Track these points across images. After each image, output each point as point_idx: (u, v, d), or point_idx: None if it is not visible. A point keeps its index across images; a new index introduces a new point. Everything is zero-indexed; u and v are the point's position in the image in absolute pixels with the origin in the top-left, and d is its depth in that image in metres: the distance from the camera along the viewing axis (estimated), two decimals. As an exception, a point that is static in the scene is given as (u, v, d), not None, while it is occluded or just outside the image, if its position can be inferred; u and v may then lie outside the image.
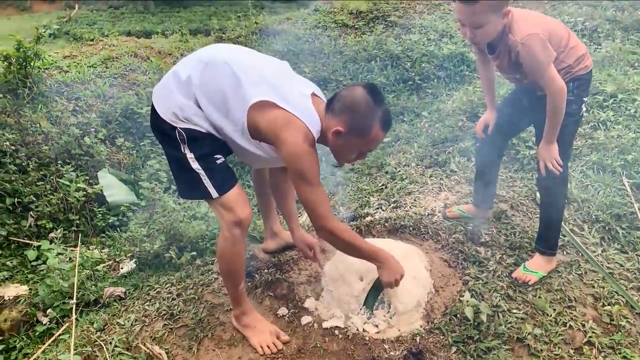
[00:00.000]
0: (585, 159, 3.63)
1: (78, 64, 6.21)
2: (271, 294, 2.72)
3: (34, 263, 3.80)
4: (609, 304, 2.61)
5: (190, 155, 2.14)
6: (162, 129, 2.17)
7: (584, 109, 2.55)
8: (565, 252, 2.94)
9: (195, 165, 2.14)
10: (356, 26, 7.30)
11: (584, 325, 2.47)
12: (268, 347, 2.36)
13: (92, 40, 7.58)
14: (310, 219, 2.26)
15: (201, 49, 2.32)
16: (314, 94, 2.25)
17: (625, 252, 3.03)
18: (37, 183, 4.39)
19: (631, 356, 2.33)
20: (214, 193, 2.17)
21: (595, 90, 4.33)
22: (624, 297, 2.65)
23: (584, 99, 2.50)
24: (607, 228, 3.16)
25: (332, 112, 2.15)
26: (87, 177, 4.65)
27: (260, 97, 2.06)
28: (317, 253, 2.73)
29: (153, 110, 2.20)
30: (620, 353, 2.35)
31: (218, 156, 2.19)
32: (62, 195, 4.35)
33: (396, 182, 3.74)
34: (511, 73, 2.50)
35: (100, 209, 4.34)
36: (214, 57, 2.16)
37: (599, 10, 6.55)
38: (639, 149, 3.59)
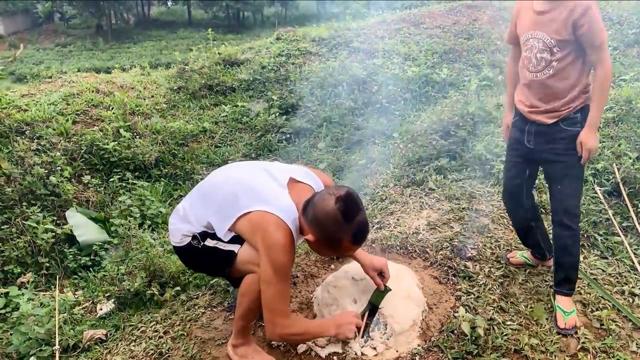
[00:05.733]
0: (557, 170, 3.74)
1: (37, 102, 6.02)
2: (263, 324, 2.64)
3: (2, 311, 3.58)
4: (597, 309, 2.65)
5: (207, 243, 2.31)
6: (186, 253, 2.40)
7: None
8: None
9: (210, 244, 2.31)
10: (320, 53, 7.40)
11: (576, 332, 2.49)
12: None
13: (51, 77, 7.38)
14: (265, 313, 2.19)
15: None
16: (292, 180, 2.33)
17: (605, 258, 3.11)
18: (2, 227, 4.19)
19: (624, 359, 2.36)
20: (236, 248, 2.26)
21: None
22: (610, 302, 2.71)
23: None
24: (586, 235, 3.24)
25: (305, 217, 2.16)
26: (54, 218, 4.48)
27: (236, 216, 2.19)
28: (388, 276, 2.56)
29: (174, 249, 2.47)
30: (614, 356, 2.38)
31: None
32: (29, 238, 4.17)
33: (377, 203, 3.75)
34: (555, 33, 2.34)
35: (70, 250, 4.17)
36: (201, 187, 2.45)
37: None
38: (607, 158, 3.73)
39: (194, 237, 2.32)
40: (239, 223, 2.20)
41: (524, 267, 2.95)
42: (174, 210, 2.49)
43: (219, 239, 2.28)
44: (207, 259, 2.34)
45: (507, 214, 2.90)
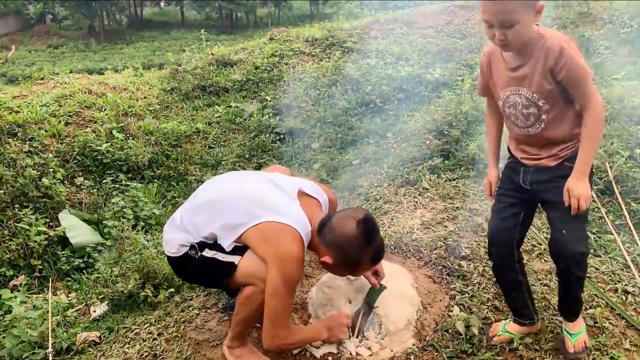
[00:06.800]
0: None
1: (29, 103, 5.98)
2: (258, 325, 2.64)
3: (-6, 314, 3.56)
4: (590, 307, 2.66)
5: (205, 253, 2.26)
6: (182, 264, 2.33)
7: None
8: (543, 260, 3.00)
9: (208, 254, 2.26)
10: (313, 53, 7.40)
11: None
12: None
13: (43, 79, 7.33)
14: (265, 324, 2.18)
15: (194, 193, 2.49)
16: (301, 193, 2.33)
17: (598, 256, 3.12)
18: (-6, 229, 4.17)
19: (618, 356, 2.37)
20: (236, 259, 2.21)
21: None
22: (603, 300, 2.72)
23: None
24: (579, 234, 3.25)
25: (323, 239, 2.18)
26: (47, 220, 4.46)
27: (248, 226, 2.16)
28: (383, 275, 2.56)
29: (168, 259, 2.41)
30: (607, 354, 2.38)
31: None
32: (21, 240, 4.15)
33: (371, 203, 3.76)
34: (537, 87, 2.07)
35: (63, 252, 4.15)
36: (201, 197, 2.38)
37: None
38: (599, 157, 3.74)
39: (191, 247, 2.28)
40: (248, 233, 2.17)
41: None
42: (169, 220, 2.44)
43: (218, 250, 2.25)
44: (204, 269, 2.29)
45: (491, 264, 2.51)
